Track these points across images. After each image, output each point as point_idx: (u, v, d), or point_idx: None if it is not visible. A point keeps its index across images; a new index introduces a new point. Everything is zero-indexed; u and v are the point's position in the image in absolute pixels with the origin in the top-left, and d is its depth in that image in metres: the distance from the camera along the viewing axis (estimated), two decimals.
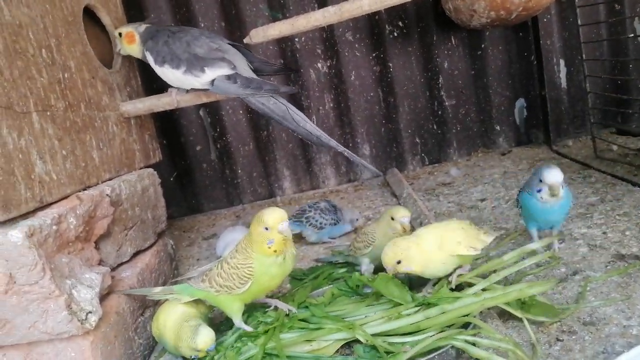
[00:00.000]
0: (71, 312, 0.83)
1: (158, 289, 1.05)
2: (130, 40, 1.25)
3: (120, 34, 1.26)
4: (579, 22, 1.76)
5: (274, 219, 0.91)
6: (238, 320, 0.98)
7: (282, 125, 1.20)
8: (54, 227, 0.87)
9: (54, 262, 0.85)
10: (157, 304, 1.15)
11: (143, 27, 1.26)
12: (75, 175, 1.03)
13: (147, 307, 1.13)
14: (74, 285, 0.87)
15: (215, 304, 1.00)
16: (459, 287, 0.98)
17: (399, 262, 0.95)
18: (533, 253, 1.03)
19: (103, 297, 0.96)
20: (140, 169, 1.34)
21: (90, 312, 0.86)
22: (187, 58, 1.17)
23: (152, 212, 1.31)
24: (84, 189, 1.04)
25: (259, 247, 0.93)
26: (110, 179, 1.17)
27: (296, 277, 1.23)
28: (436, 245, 0.96)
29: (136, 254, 1.22)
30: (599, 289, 0.96)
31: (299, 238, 1.52)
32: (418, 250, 0.95)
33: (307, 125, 1.18)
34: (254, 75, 1.20)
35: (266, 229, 0.91)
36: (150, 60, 1.22)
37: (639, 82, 2.06)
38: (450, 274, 0.99)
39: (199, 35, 1.20)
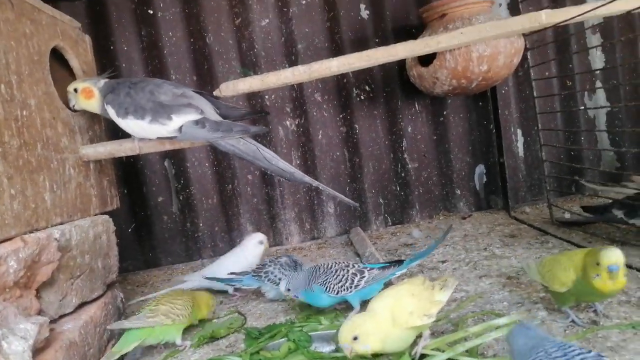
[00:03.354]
0: None
1: None
2: (88, 96, 1.21)
3: (75, 90, 1.21)
4: (535, 94, 1.87)
5: None
6: None
7: (254, 164, 1.18)
8: None
9: None
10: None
11: (102, 82, 1.22)
12: (23, 217, 0.97)
13: None
14: (4, 335, 0.79)
15: None
16: (422, 356, 0.95)
17: (355, 339, 0.86)
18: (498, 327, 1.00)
19: (38, 350, 0.88)
20: (96, 215, 1.29)
21: None
22: (151, 107, 1.14)
23: (102, 261, 1.24)
24: (31, 232, 0.99)
25: None
26: (61, 223, 1.11)
27: (252, 335, 1.17)
28: (390, 320, 0.88)
29: (81, 305, 1.14)
30: None
31: (258, 295, 1.47)
32: (374, 326, 0.87)
33: (280, 162, 1.17)
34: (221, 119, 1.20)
35: None
36: (112, 113, 1.17)
37: (590, 153, 2.18)
38: (415, 342, 0.94)
39: (162, 83, 1.19)
